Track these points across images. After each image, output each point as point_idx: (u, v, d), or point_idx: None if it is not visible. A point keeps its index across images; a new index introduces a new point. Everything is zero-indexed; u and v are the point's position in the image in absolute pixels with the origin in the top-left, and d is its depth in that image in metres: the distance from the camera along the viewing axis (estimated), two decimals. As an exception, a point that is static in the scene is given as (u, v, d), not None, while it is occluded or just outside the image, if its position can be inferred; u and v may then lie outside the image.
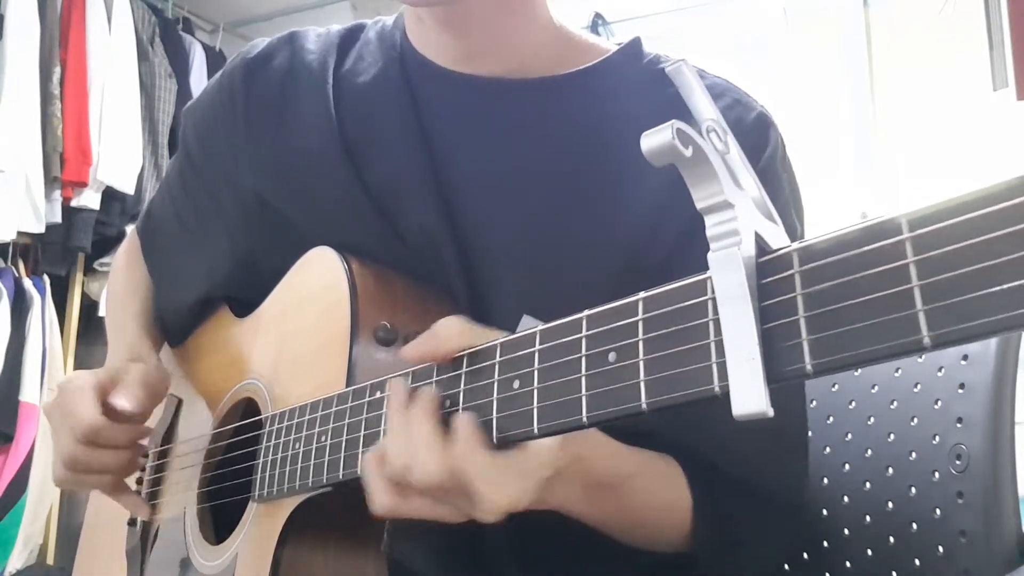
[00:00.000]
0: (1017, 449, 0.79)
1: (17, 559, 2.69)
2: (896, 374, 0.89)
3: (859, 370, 0.93)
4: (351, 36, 0.83)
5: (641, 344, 0.41)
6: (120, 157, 2.87)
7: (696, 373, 0.38)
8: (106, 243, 3.00)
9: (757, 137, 0.73)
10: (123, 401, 0.77)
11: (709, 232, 0.38)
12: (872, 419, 0.90)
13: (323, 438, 0.62)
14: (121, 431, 0.79)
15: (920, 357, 0.87)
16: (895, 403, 0.88)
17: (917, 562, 0.82)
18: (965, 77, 2.58)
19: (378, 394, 0.57)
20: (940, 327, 0.30)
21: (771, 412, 0.35)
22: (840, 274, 0.33)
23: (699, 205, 0.38)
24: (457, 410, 0.51)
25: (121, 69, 2.93)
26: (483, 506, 0.50)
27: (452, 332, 0.53)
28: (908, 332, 0.31)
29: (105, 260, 3.02)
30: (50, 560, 2.84)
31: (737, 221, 0.37)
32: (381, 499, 0.53)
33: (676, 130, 0.36)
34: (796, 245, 0.36)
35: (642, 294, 0.42)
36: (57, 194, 2.76)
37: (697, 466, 0.68)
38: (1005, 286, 0.28)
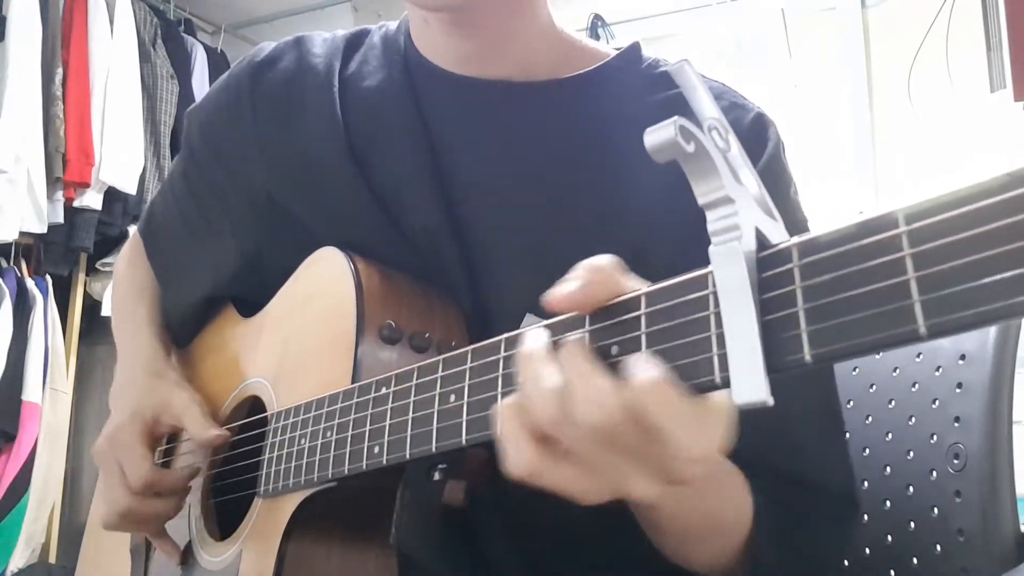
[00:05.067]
0: (1015, 448, 0.80)
1: (19, 558, 2.70)
2: (894, 374, 0.89)
3: (856, 370, 0.93)
4: (356, 40, 0.84)
5: (644, 338, 0.42)
6: (122, 158, 2.88)
7: (698, 364, 0.39)
8: (108, 243, 3.00)
9: (756, 137, 0.74)
10: (215, 433, 0.77)
11: (710, 227, 0.38)
12: (870, 418, 0.90)
13: (328, 434, 0.62)
14: (175, 478, 0.80)
15: (918, 357, 0.88)
16: (893, 403, 0.89)
17: (915, 560, 0.83)
18: (963, 78, 2.59)
19: (383, 390, 0.58)
20: (935, 317, 0.31)
21: (771, 401, 0.36)
22: (838, 267, 0.34)
23: (700, 201, 0.39)
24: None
25: (123, 70, 2.94)
26: (676, 452, 0.40)
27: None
28: (905, 322, 0.31)
29: (107, 260, 3.02)
30: (52, 559, 2.84)
31: (738, 216, 0.37)
32: (521, 454, 0.44)
33: (679, 127, 0.36)
34: (795, 240, 0.37)
35: (644, 289, 0.43)
36: (59, 194, 2.77)
37: (749, 467, 0.65)
38: (998, 277, 0.29)
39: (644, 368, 0.40)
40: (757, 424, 0.65)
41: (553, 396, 0.43)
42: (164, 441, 0.91)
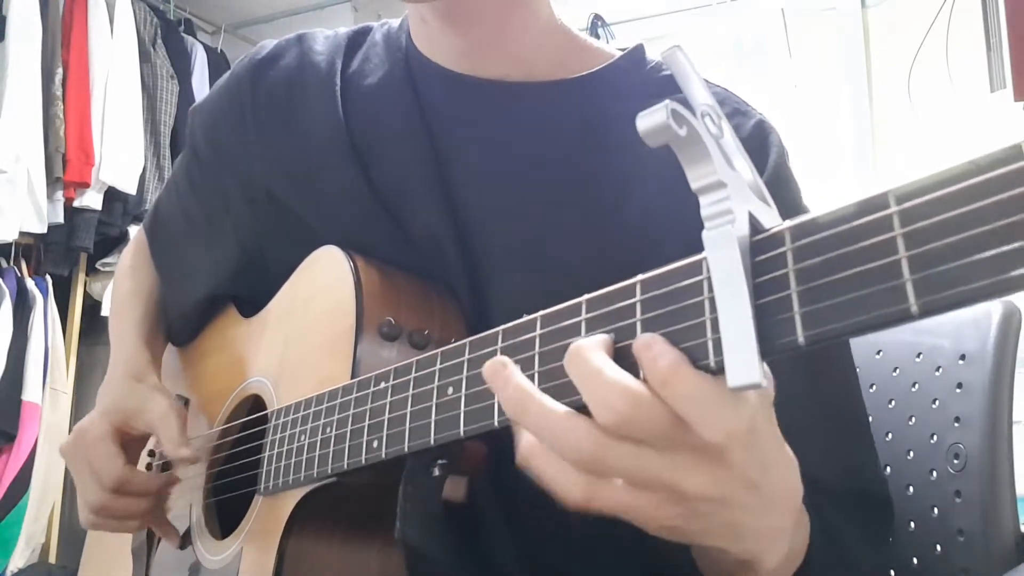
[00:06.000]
0: (1015, 448, 0.79)
1: (19, 558, 2.69)
2: (894, 374, 0.89)
3: (857, 369, 0.93)
4: (358, 38, 0.84)
5: (639, 324, 0.42)
6: (122, 158, 2.88)
7: (693, 349, 0.39)
8: (108, 243, 3.01)
9: (759, 145, 0.74)
10: (187, 451, 0.77)
11: (703, 212, 0.39)
12: (870, 418, 0.90)
13: (327, 429, 0.62)
14: (147, 480, 0.81)
15: (918, 357, 0.87)
16: (893, 403, 0.89)
17: (915, 561, 0.83)
18: (963, 78, 2.59)
19: (382, 384, 0.58)
20: (927, 295, 0.31)
21: (764, 383, 0.36)
22: (830, 249, 0.34)
23: (693, 185, 0.39)
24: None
25: (123, 70, 2.94)
26: (703, 431, 0.39)
27: None
28: (896, 301, 0.32)
29: (107, 260, 3.03)
30: (52, 559, 2.84)
31: (731, 201, 0.37)
32: (571, 490, 0.44)
33: (671, 110, 0.37)
34: (788, 223, 0.37)
35: (640, 276, 0.43)
36: (59, 194, 2.77)
37: None
38: (988, 253, 0.29)
39: (657, 354, 0.40)
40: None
41: (572, 422, 0.42)
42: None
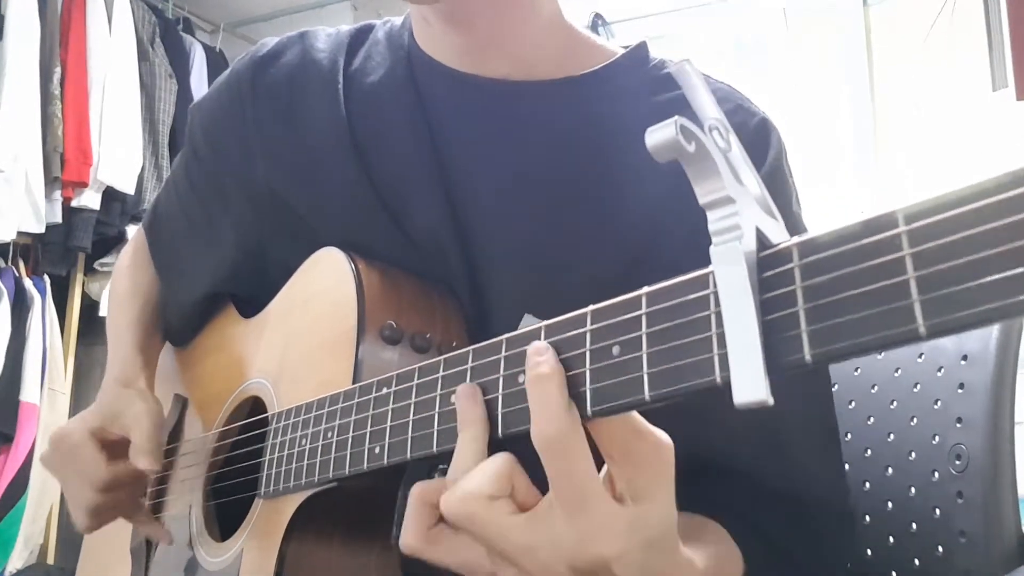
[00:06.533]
0: (1017, 449, 0.79)
1: (18, 559, 2.69)
2: (896, 374, 0.89)
3: (858, 370, 0.93)
4: (360, 36, 0.83)
5: (644, 338, 0.42)
6: (120, 157, 2.88)
7: (698, 364, 0.39)
8: (106, 243, 3.01)
9: (760, 142, 0.74)
10: (146, 462, 0.79)
11: (711, 227, 0.38)
12: (872, 419, 0.90)
13: (329, 434, 0.62)
14: (133, 471, 0.81)
15: (919, 357, 0.87)
16: (895, 403, 0.88)
17: (917, 562, 0.83)
18: (965, 77, 2.59)
19: (384, 390, 0.58)
20: (935, 316, 0.31)
21: (771, 400, 0.35)
22: (838, 267, 0.34)
23: (701, 200, 0.39)
24: None
25: (121, 69, 2.94)
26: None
27: None
28: (904, 322, 0.31)
29: (105, 260, 3.02)
30: (50, 560, 2.84)
31: (739, 216, 0.37)
32: (406, 537, 0.52)
33: (680, 126, 0.36)
34: (796, 240, 0.37)
35: (645, 289, 0.43)
36: (57, 194, 2.77)
37: (741, 504, 0.63)
38: (997, 276, 0.29)
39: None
40: (754, 442, 0.65)
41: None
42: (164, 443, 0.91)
